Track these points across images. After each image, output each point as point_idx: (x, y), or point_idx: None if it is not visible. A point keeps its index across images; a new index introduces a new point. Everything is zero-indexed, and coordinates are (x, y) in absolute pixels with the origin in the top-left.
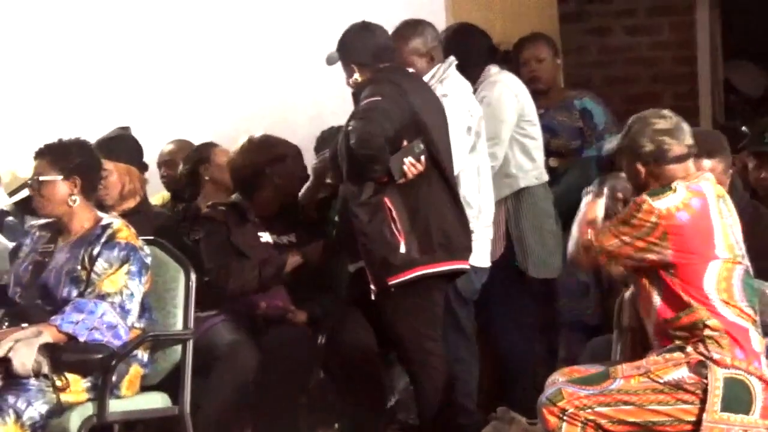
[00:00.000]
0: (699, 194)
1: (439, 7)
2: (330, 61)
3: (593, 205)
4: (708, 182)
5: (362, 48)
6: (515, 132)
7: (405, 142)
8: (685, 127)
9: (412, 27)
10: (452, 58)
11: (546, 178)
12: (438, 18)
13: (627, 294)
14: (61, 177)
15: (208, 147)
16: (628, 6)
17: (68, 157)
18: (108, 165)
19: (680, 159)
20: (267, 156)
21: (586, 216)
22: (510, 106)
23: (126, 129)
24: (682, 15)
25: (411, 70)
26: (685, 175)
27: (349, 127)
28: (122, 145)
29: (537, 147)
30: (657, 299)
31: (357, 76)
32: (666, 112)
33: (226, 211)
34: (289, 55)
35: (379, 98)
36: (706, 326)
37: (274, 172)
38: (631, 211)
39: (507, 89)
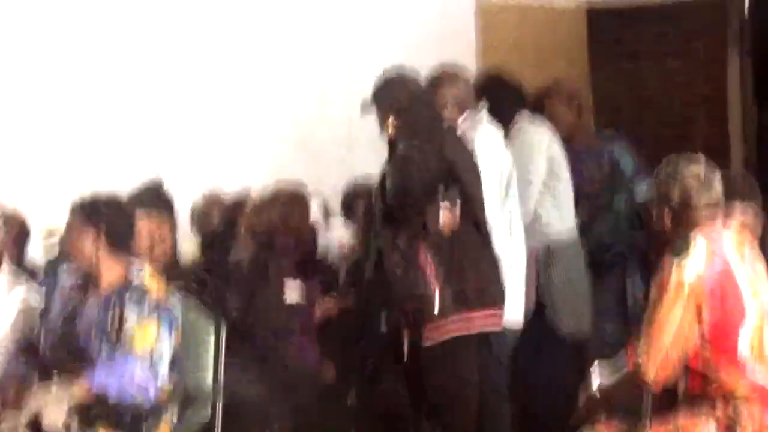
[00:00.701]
0: (719, 253)
1: (470, 51)
2: (364, 110)
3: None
4: (728, 236)
5: (398, 96)
6: (545, 183)
7: (440, 192)
8: (716, 175)
9: (444, 75)
10: (483, 107)
11: (575, 230)
12: (469, 62)
13: None
14: (85, 224)
15: (246, 196)
16: (660, 49)
17: (94, 212)
18: (138, 218)
19: (705, 207)
20: (274, 211)
21: None
22: (539, 156)
23: (158, 180)
24: (713, 57)
25: (444, 119)
26: (708, 225)
27: (387, 177)
28: (154, 197)
29: (567, 198)
30: (683, 384)
31: (392, 123)
32: (699, 158)
33: (249, 268)
34: (321, 102)
35: (417, 148)
36: (736, 394)
37: (284, 226)
38: (659, 294)
39: (536, 139)
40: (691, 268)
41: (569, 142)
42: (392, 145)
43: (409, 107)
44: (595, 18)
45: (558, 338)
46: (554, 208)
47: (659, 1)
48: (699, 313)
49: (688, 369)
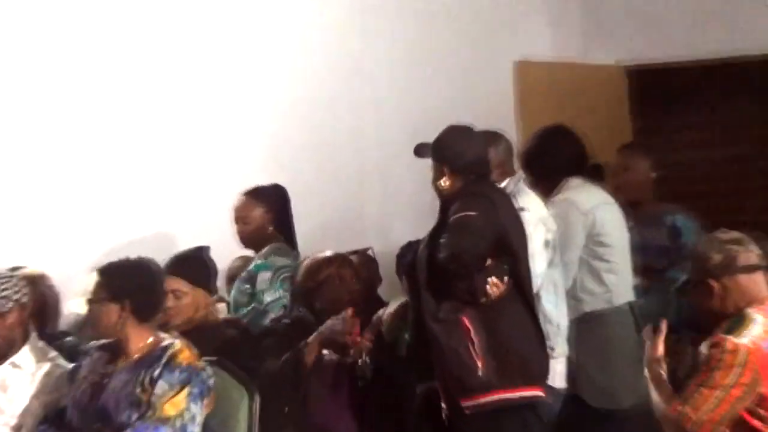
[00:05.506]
0: None
1: (506, 108)
2: (419, 153)
3: (656, 344)
4: None
5: (459, 154)
6: (584, 253)
7: (489, 261)
8: (751, 240)
9: (487, 136)
10: (521, 173)
11: (623, 300)
12: (505, 119)
13: None
14: (110, 299)
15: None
16: (703, 118)
17: (118, 280)
18: (184, 286)
19: (750, 269)
20: (314, 281)
21: (650, 358)
22: (576, 227)
23: (202, 249)
24: (761, 126)
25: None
26: (757, 294)
27: (441, 240)
28: (201, 268)
29: (610, 269)
30: None
31: (446, 180)
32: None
33: (289, 326)
34: (358, 158)
35: (474, 213)
36: None
37: (320, 296)
38: (714, 356)
39: (574, 208)
40: (745, 336)
41: (635, 208)
42: (445, 203)
43: (469, 167)
44: (635, 77)
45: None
46: (592, 279)
47: (703, 57)
48: (754, 376)
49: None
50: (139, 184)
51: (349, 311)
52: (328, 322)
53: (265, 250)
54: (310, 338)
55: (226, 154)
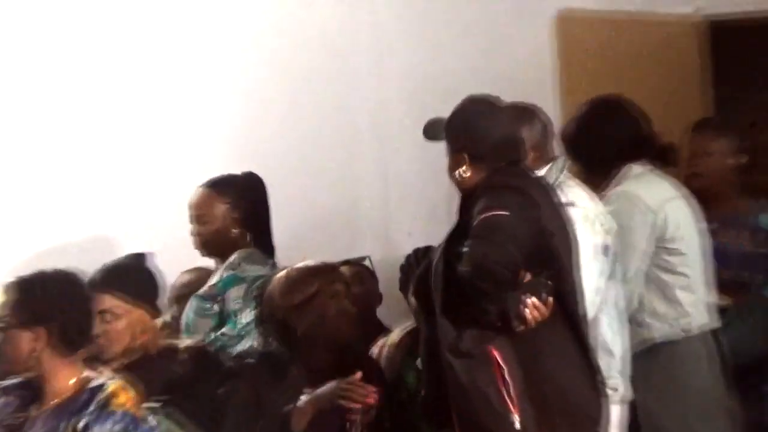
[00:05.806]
0: None
1: (546, 81)
2: (431, 134)
3: None
4: None
5: (482, 135)
6: (650, 264)
7: (526, 275)
8: None
9: (519, 114)
10: (563, 159)
11: (702, 325)
12: (544, 97)
13: None
14: (22, 326)
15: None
16: None
17: (33, 300)
18: (119, 306)
19: None
20: (296, 298)
21: None
22: (640, 229)
23: (141, 257)
24: None
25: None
26: None
27: (462, 248)
28: (141, 280)
29: (685, 285)
30: None
31: (466, 170)
32: None
33: (256, 366)
34: (351, 154)
35: (505, 213)
36: None
37: (305, 317)
38: None
39: (638, 205)
40: None
41: (714, 205)
42: (466, 201)
43: (495, 153)
44: (720, 33)
45: None
46: (662, 299)
47: None
48: None
49: None
50: (67, 174)
51: (358, 375)
52: (332, 385)
53: (232, 258)
54: (302, 402)
55: (181, 139)
